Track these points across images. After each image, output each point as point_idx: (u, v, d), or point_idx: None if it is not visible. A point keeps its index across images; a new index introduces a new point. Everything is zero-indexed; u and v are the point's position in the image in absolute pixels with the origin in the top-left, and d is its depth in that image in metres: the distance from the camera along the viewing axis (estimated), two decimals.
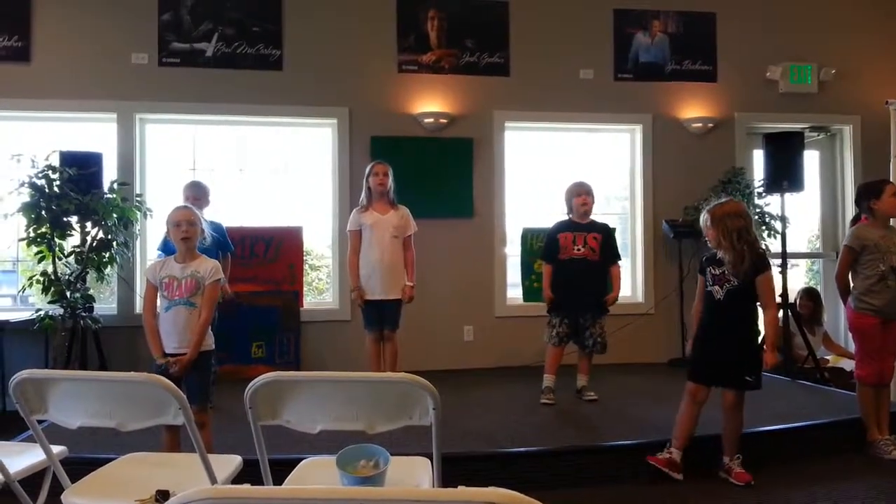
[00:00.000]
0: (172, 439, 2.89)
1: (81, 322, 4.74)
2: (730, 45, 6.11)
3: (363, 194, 4.34)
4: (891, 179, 4.37)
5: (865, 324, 3.63)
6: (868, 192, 3.70)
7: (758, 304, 3.23)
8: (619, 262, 4.46)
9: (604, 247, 4.32)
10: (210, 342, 3.03)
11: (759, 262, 3.16)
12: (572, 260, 4.28)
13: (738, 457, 3.21)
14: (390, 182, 4.27)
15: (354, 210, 4.39)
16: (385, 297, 4.22)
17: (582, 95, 5.91)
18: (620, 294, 5.83)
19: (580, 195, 4.35)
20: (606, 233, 4.40)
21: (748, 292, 3.17)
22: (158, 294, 3.00)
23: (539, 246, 5.19)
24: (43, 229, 4.64)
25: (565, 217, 4.45)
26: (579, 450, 3.37)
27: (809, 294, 5.76)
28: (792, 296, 5.40)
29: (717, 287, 3.19)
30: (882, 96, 5.93)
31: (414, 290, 4.28)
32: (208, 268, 3.02)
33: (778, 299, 5.22)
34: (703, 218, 3.24)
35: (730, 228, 3.12)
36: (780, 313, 5.24)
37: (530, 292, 5.55)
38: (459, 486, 1.12)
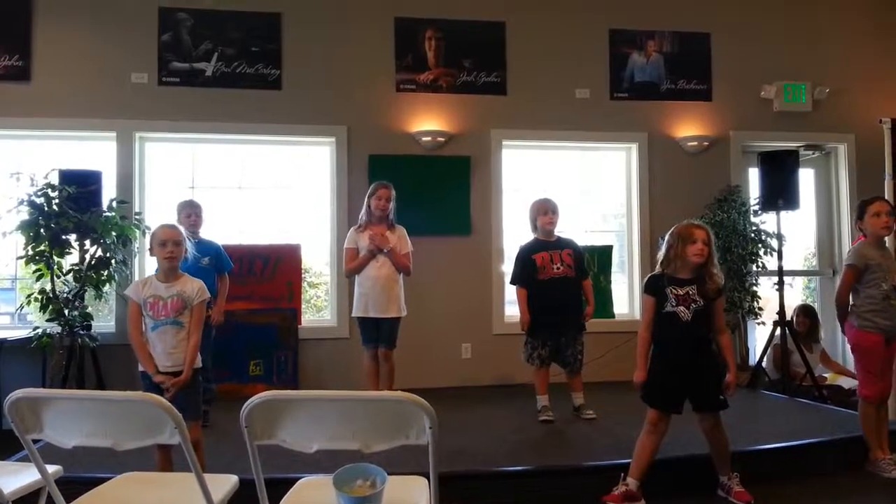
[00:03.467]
0: (164, 458, 2.87)
1: (79, 340, 4.74)
2: (724, 65, 6.18)
3: (363, 212, 4.36)
4: (886, 197, 4.38)
5: (869, 342, 3.59)
6: (856, 211, 3.74)
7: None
8: (589, 278, 4.45)
9: (577, 262, 4.31)
10: (198, 359, 3.04)
11: (722, 284, 3.14)
12: (553, 280, 4.23)
13: (737, 475, 3.19)
14: (392, 206, 4.29)
15: (352, 228, 4.41)
16: (382, 316, 4.22)
17: (578, 114, 5.96)
18: (617, 311, 5.94)
19: (546, 213, 4.30)
20: (576, 248, 4.38)
21: (709, 313, 3.11)
22: (142, 313, 3.00)
23: None
24: (41, 247, 4.65)
25: (531, 236, 4.40)
26: (577, 469, 3.36)
27: (806, 311, 5.76)
28: (788, 313, 5.41)
29: (682, 308, 3.07)
30: (876, 114, 5.98)
31: (385, 241, 4.21)
32: (194, 288, 3.02)
33: (775, 317, 5.28)
34: (704, 234, 3.07)
35: (715, 249, 3.12)
36: (778, 331, 5.26)
37: None
38: None
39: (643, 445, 3.14)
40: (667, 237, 3.19)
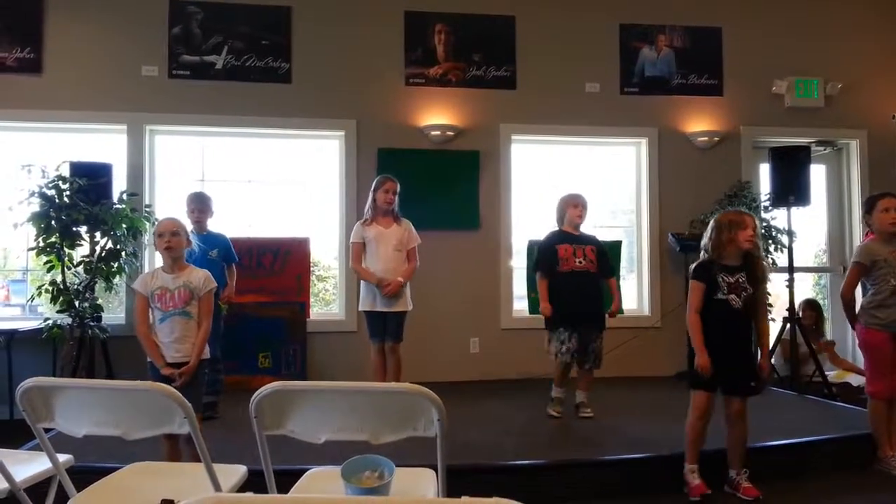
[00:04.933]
0: (172, 448, 2.89)
1: (89, 331, 4.77)
2: (735, 60, 6.13)
3: (368, 206, 4.36)
4: None
5: (875, 339, 3.59)
6: (865, 206, 3.73)
7: None
8: (615, 276, 4.44)
9: (600, 259, 4.30)
10: (206, 351, 3.06)
11: (768, 269, 3.23)
12: (574, 273, 4.21)
13: (746, 471, 3.18)
14: (396, 199, 4.29)
15: (358, 223, 4.40)
16: (388, 310, 4.22)
17: (588, 109, 5.94)
18: (626, 307, 5.90)
19: (577, 207, 4.30)
20: (600, 245, 4.37)
21: (756, 300, 3.17)
22: (150, 306, 3.02)
23: None
24: (52, 239, 4.68)
25: (556, 228, 4.39)
26: (583, 463, 3.36)
27: (811, 305, 5.73)
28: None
29: (733, 296, 3.12)
30: (888, 110, 5.94)
31: (400, 288, 4.17)
32: (200, 278, 3.05)
33: (785, 313, 5.25)
34: (752, 221, 3.13)
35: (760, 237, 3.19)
36: (787, 327, 5.23)
37: (536, 304, 5.51)
38: (463, 497, 1.13)
39: (697, 431, 3.17)
40: (711, 224, 3.22)
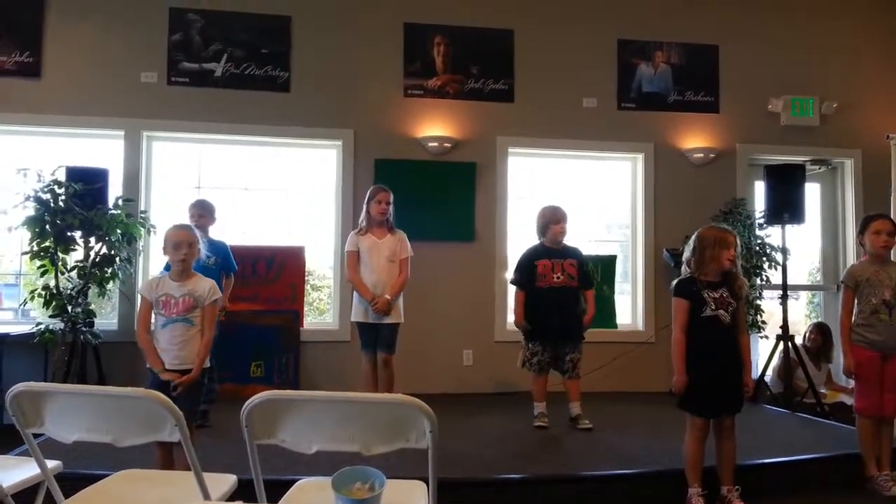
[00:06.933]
0: (165, 456, 2.88)
1: (81, 337, 4.74)
2: (732, 77, 6.18)
3: (363, 217, 4.36)
4: (892, 214, 4.39)
5: (862, 357, 3.61)
6: (859, 226, 3.78)
7: None
8: (593, 288, 4.48)
9: (580, 272, 4.33)
10: (207, 360, 3.04)
11: (747, 283, 3.23)
12: (552, 288, 4.25)
13: (738, 488, 3.17)
14: (391, 209, 4.30)
15: (353, 232, 4.41)
16: (379, 321, 4.20)
17: (585, 123, 5.97)
18: (620, 322, 5.92)
19: (559, 222, 4.32)
20: (581, 258, 4.40)
21: (738, 314, 3.18)
22: (154, 311, 3.02)
23: None
24: (46, 243, 4.66)
25: (537, 242, 4.42)
26: (575, 478, 3.34)
27: (820, 328, 5.73)
28: (796, 328, 5.37)
29: (721, 311, 3.12)
30: (883, 130, 5.98)
31: (389, 306, 4.16)
32: (206, 287, 3.04)
33: (779, 331, 5.26)
34: (734, 240, 3.15)
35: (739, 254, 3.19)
36: (781, 345, 5.24)
37: None
38: None
39: (695, 451, 3.16)
40: (693, 240, 3.22)
